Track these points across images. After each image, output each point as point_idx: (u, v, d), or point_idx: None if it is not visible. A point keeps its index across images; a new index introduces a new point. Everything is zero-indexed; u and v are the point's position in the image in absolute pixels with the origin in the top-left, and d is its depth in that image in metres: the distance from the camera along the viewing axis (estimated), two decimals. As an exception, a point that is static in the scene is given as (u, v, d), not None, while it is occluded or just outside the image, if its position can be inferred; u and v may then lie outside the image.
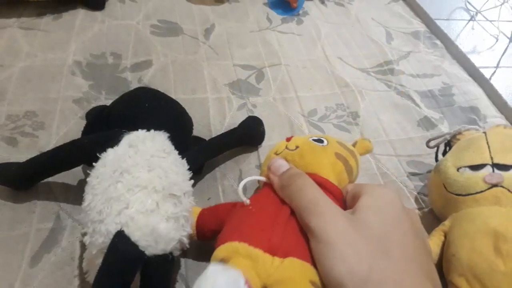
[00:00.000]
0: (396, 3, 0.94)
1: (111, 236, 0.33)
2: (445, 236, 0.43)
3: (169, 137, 0.44)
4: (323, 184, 0.39)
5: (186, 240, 0.37)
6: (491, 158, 0.44)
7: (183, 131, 0.51)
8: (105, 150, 0.40)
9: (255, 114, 0.61)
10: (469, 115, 0.66)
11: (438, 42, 0.82)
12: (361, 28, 0.84)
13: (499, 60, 0.81)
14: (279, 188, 0.38)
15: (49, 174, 0.45)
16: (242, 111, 0.62)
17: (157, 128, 0.44)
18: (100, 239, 0.33)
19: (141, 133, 0.42)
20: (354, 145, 0.47)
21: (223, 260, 0.32)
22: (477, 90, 0.72)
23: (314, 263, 0.33)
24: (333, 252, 0.30)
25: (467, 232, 0.40)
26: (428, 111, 0.66)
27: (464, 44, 0.84)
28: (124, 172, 0.36)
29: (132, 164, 0.37)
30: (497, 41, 0.88)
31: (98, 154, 0.40)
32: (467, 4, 0.99)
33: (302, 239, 0.34)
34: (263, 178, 0.42)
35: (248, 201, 0.38)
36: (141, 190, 0.35)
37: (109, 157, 0.39)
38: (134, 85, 0.63)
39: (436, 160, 0.53)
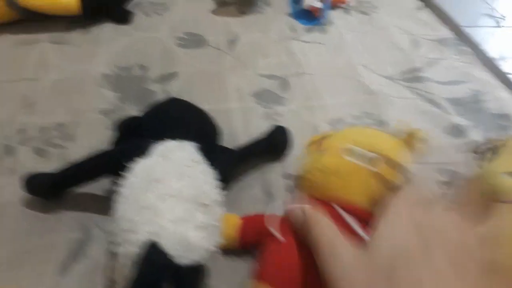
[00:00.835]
0: (421, 10, 0.92)
1: (141, 245, 0.33)
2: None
3: (197, 147, 0.44)
4: (349, 210, 0.40)
5: (215, 249, 0.37)
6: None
7: (211, 141, 0.51)
8: (135, 160, 0.40)
9: (280, 123, 0.61)
10: (500, 122, 0.64)
11: (466, 48, 0.80)
12: (386, 36, 0.83)
13: None
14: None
15: (79, 183, 0.45)
16: (268, 121, 0.62)
17: (186, 138, 0.44)
18: (131, 249, 0.33)
19: (170, 143, 0.43)
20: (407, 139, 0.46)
21: None
22: (508, 96, 0.69)
23: None
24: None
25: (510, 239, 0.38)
26: (458, 118, 0.64)
27: (490, 51, 0.81)
28: (154, 181, 0.37)
29: (162, 174, 0.37)
30: None
31: (128, 164, 0.40)
32: (493, 10, 0.96)
33: None
34: (292, 206, 0.42)
35: (283, 239, 0.39)
36: (171, 198, 0.35)
37: (140, 167, 0.39)
38: (161, 97, 0.63)
39: (479, 166, 0.51)
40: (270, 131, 0.55)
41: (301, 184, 0.47)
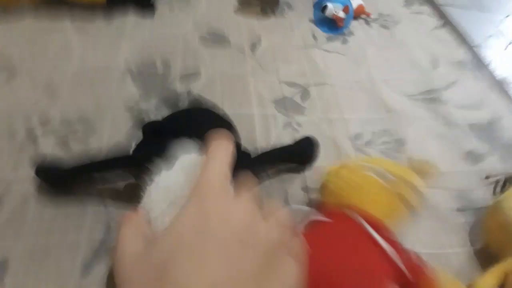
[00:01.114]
0: (441, 29, 0.93)
1: None
2: (506, 275, 0.42)
3: None
4: (375, 224, 0.41)
5: None
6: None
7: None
8: (159, 171, 0.40)
9: (300, 134, 0.61)
10: (518, 150, 0.65)
11: (484, 72, 0.81)
12: (405, 52, 0.83)
13: None
14: None
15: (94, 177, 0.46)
16: (288, 130, 0.62)
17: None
18: None
19: (194, 157, 0.42)
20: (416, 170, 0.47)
21: None
22: (525, 124, 0.70)
23: None
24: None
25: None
26: (475, 144, 0.65)
27: (500, 71, 0.82)
28: (172, 204, 0.36)
29: (180, 196, 0.37)
30: None
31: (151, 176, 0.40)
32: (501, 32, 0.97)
33: None
34: (321, 217, 0.42)
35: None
36: None
37: (162, 182, 0.38)
38: (183, 98, 0.63)
39: (494, 194, 0.52)
40: (301, 140, 0.56)
41: (325, 193, 0.48)
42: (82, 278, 0.41)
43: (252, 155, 0.53)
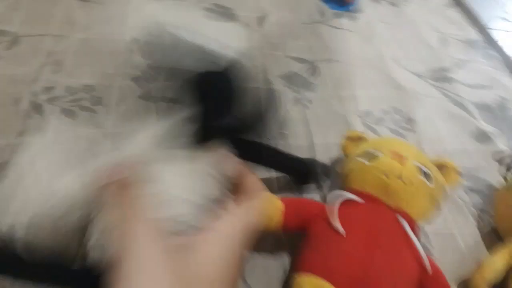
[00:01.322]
0: (451, 8, 0.91)
1: None
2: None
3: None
4: (411, 225, 0.40)
5: None
6: None
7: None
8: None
9: (310, 110, 0.60)
10: (525, 132, 0.64)
11: (494, 53, 0.80)
12: (415, 30, 0.82)
13: None
14: None
15: None
16: (297, 106, 0.61)
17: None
18: None
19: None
20: (443, 169, 0.45)
21: None
22: (534, 107, 0.70)
23: None
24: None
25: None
26: (485, 124, 0.64)
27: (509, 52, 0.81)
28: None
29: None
30: None
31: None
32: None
33: (381, 286, 0.36)
34: (355, 198, 0.41)
35: (343, 231, 0.38)
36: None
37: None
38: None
39: (505, 178, 0.52)
40: (305, 161, 0.51)
41: (360, 178, 0.44)
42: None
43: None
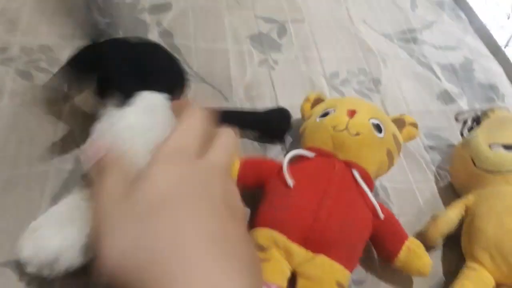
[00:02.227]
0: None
1: None
2: (466, 211, 0.44)
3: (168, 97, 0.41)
4: (364, 177, 0.41)
5: None
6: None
7: (182, 94, 0.46)
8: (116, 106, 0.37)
9: (276, 72, 0.60)
10: (488, 92, 0.66)
11: (462, 14, 0.80)
12: (385, -9, 0.81)
13: (508, 39, 0.80)
14: None
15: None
16: (263, 67, 0.60)
17: (161, 90, 0.41)
18: None
19: (150, 95, 0.39)
20: (401, 125, 0.46)
21: (263, 248, 0.37)
22: (497, 68, 0.71)
23: (345, 263, 0.37)
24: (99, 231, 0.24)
25: (496, 209, 0.41)
26: (448, 85, 0.65)
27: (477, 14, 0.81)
28: (142, 153, 0.34)
29: (152, 141, 0.34)
30: (508, 18, 0.86)
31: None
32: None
33: (340, 236, 0.37)
34: (309, 154, 0.42)
35: (292, 183, 0.39)
36: None
37: (122, 123, 0.36)
38: (153, 29, 0.60)
39: (461, 134, 0.53)
40: (270, 109, 0.51)
41: (316, 136, 0.44)
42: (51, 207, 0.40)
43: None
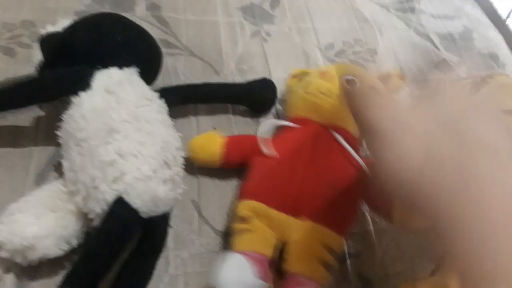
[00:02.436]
0: None
1: (109, 203, 0.32)
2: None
3: (139, 72, 0.40)
4: (345, 136, 0.40)
5: (179, 197, 0.37)
6: (525, 105, 0.43)
7: (156, 67, 0.45)
8: (75, 93, 0.36)
9: (269, 44, 0.58)
10: (488, 61, 0.64)
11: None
12: (382, -40, 0.79)
13: (510, 11, 0.77)
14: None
15: (2, 110, 0.38)
16: (256, 39, 0.58)
17: (128, 64, 0.39)
18: (97, 207, 0.32)
19: (114, 72, 0.38)
20: (386, 79, 0.45)
21: (244, 220, 0.36)
22: (497, 37, 0.69)
23: (334, 228, 0.36)
24: (383, 140, 0.25)
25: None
26: (447, 54, 0.64)
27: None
28: (113, 131, 0.33)
29: (119, 121, 0.34)
30: None
31: (68, 98, 0.36)
32: None
33: (319, 201, 0.37)
34: (286, 123, 0.41)
35: (267, 151, 0.39)
36: (134, 157, 0.33)
37: (86, 106, 0.35)
38: (140, 2, 0.58)
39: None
40: (254, 81, 0.49)
41: (294, 105, 0.45)
42: (36, 185, 0.39)
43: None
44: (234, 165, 0.41)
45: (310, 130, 0.41)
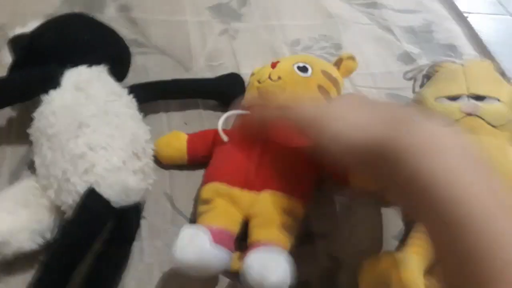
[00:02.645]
0: None
1: (79, 195, 0.33)
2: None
3: (109, 69, 0.41)
4: None
5: (150, 187, 0.38)
6: (467, 88, 0.45)
7: (124, 64, 0.46)
8: (46, 92, 0.37)
9: (237, 41, 0.60)
10: (447, 52, 0.67)
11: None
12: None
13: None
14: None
15: None
16: (224, 36, 0.60)
17: (96, 62, 0.41)
18: (69, 199, 0.33)
19: (83, 70, 0.39)
20: (338, 63, 0.48)
21: (207, 201, 0.37)
22: (456, 28, 0.72)
23: (292, 193, 0.37)
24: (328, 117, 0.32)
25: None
26: (408, 46, 0.66)
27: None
28: (82, 125, 0.34)
29: (88, 115, 0.35)
30: None
31: (39, 97, 0.37)
32: None
33: (276, 171, 0.38)
34: (243, 112, 0.42)
35: (226, 138, 0.40)
36: (103, 149, 0.34)
37: (56, 103, 0.36)
38: (110, 3, 0.59)
39: (414, 91, 0.54)
40: (222, 76, 0.51)
41: (250, 95, 0.46)
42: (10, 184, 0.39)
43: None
44: (201, 159, 0.43)
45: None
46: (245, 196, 0.37)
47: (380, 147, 0.27)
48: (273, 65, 0.44)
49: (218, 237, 0.33)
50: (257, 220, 0.36)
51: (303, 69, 0.43)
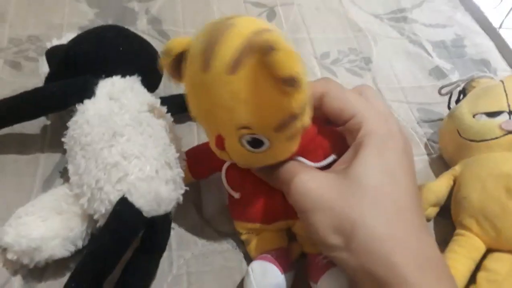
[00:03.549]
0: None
1: (113, 204, 0.33)
2: (454, 181, 0.43)
3: (141, 80, 0.42)
4: None
5: (181, 197, 0.37)
6: (508, 105, 0.44)
7: (157, 76, 0.46)
8: (81, 101, 0.38)
9: (266, 54, 0.60)
10: (479, 67, 0.65)
11: (452, -7, 0.80)
12: (375, -27, 0.81)
13: (502, 21, 0.79)
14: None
15: (10, 124, 0.41)
16: (253, 50, 0.60)
17: (130, 73, 0.41)
18: (102, 208, 0.33)
19: (117, 80, 0.40)
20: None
21: (247, 231, 0.38)
22: (488, 43, 0.71)
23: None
24: (310, 219, 0.28)
25: (479, 175, 0.40)
26: (440, 61, 0.65)
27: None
28: (116, 134, 0.35)
29: (122, 125, 0.35)
30: (501, 1, 0.86)
31: (74, 106, 0.38)
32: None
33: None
34: None
35: (237, 195, 0.37)
36: (138, 158, 0.34)
37: (91, 112, 0.36)
38: (141, 16, 0.60)
39: (449, 107, 0.53)
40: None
41: None
42: (43, 192, 0.40)
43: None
44: (203, 177, 0.42)
45: None
46: (282, 224, 0.37)
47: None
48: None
49: (280, 260, 0.34)
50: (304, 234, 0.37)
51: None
